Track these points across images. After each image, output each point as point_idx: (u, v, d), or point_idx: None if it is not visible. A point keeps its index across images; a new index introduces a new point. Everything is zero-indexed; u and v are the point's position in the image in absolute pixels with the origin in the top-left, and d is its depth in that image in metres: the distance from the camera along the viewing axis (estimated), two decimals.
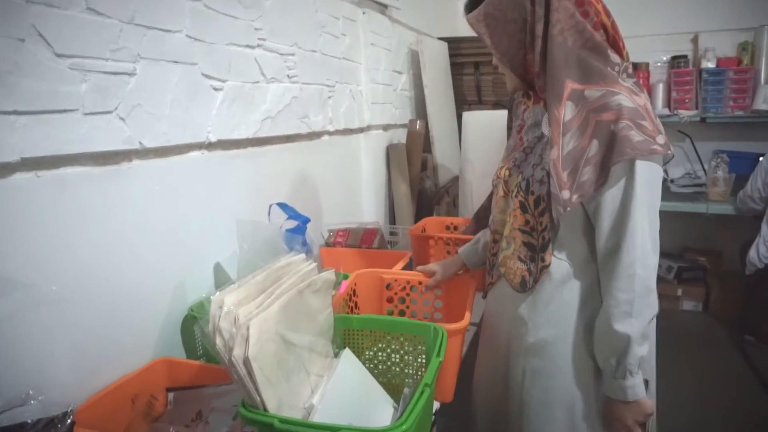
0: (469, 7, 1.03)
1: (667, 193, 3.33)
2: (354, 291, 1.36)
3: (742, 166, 3.13)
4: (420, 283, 1.39)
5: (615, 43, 0.99)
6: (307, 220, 1.30)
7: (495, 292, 1.20)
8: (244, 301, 0.84)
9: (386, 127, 2.44)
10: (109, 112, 1.02)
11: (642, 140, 0.89)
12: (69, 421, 0.82)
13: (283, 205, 1.35)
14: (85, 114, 0.97)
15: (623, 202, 0.93)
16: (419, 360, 1.07)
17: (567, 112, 0.94)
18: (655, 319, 0.97)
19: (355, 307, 1.35)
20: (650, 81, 3.52)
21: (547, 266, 1.03)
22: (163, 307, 1.18)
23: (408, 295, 1.41)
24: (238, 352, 0.77)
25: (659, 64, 3.58)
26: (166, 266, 1.18)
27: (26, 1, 0.85)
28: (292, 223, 1.27)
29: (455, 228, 2.03)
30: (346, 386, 0.94)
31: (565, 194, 0.94)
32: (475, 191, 2.28)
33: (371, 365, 1.10)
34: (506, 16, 0.98)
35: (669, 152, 0.91)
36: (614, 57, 0.97)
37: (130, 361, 1.08)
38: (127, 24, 1.04)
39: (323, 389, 0.90)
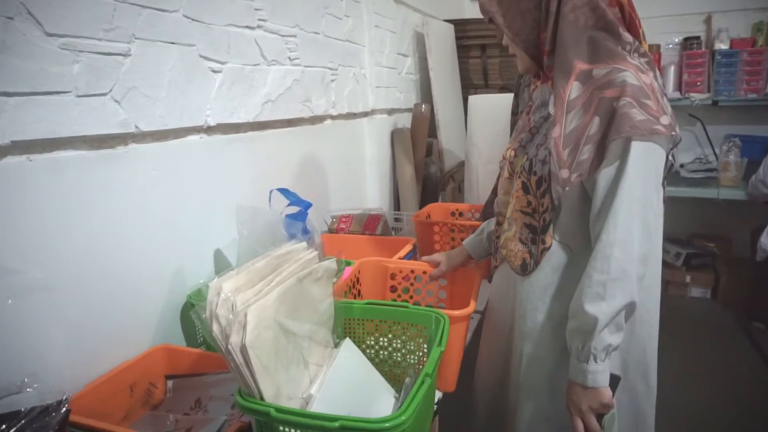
0: None
1: (677, 178, 3.29)
2: (357, 279, 1.34)
3: (754, 151, 3.08)
4: (424, 272, 1.37)
5: (631, 21, 0.96)
6: (308, 206, 1.27)
7: (498, 275, 1.18)
8: (242, 288, 0.82)
9: (391, 112, 2.40)
10: (104, 95, 0.99)
11: (643, 119, 0.86)
12: (64, 409, 0.81)
13: (284, 191, 1.32)
14: (78, 96, 0.94)
15: (614, 181, 0.90)
16: (422, 348, 1.05)
17: (573, 91, 0.91)
18: (635, 311, 0.93)
19: (358, 295, 1.33)
20: (661, 63, 3.45)
21: (548, 248, 1.00)
22: (162, 294, 1.16)
23: (412, 284, 1.38)
24: (235, 340, 0.75)
25: (671, 45, 3.50)
26: (165, 252, 1.16)
27: None
28: (294, 209, 1.24)
29: (460, 214, 2.00)
30: (346, 376, 0.92)
31: (564, 173, 0.91)
32: (480, 176, 2.24)
33: (372, 353, 1.08)
34: None
35: (673, 134, 0.88)
36: (626, 36, 0.94)
37: (129, 348, 1.07)
38: (121, 3, 1.01)
39: (322, 379, 0.89)
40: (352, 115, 2.08)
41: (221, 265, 1.31)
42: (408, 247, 1.55)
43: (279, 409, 0.74)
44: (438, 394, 1.11)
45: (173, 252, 1.19)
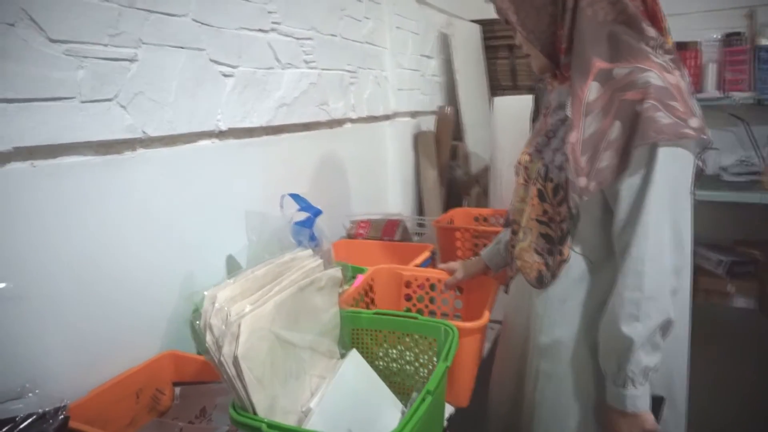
0: None
1: (718, 182, 3.13)
2: (371, 287, 1.30)
3: None
4: (440, 281, 1.32)
5: (654, 14, 0.89)
6: (318, 212, 1.24)
7: (515, 286, 1.13)
8: (239, 297, 0.80)
9: (414, 114, 2.36)
10: (109, 100, 0.98)
11: (670, 123, 0.79)
12: (62, 416, 0.80)
13: (295, 196, 1.30)
14: (83, 102, 0.94)
15: (640, 191, 0.83)
16: (433, 362, 1.00)
17: (591, 92, 0.85)
18: (672, 330, 0.86)
19: (372, 304, 1.30)
20: (701, 61, 3.29)
21: (566, 260, 0.94)
22: (171, 301, 1.15)
23: (427, 293, 1.34)
24: (227, 351, 0.73)
25: (710, 42, 3.33)
26: (174, 258, 1.15)
27: None
28: (303, 215, 1.22)
29: (484, 219, 1.94)
30: (349, 389, 0.89)
31: (582, 181, 0.84)
32: (505, 179, 2.18)
33: (383, 364, 1.04)
34: None
35: (704, 137, 0.81)
36: (650, 30, 0.87)
37: (137, 354, 1.06)
38: (127, 8, 1.00)
39: (323, 392, 0.85)
40: (373, 118, 2.05)
41: (234, 271, 1.29)
42: (425, 254, 1.51)
43: (271, 425, 0.70)
44: (450, 409, 1.06)
45: (183, 257, 1.17)
